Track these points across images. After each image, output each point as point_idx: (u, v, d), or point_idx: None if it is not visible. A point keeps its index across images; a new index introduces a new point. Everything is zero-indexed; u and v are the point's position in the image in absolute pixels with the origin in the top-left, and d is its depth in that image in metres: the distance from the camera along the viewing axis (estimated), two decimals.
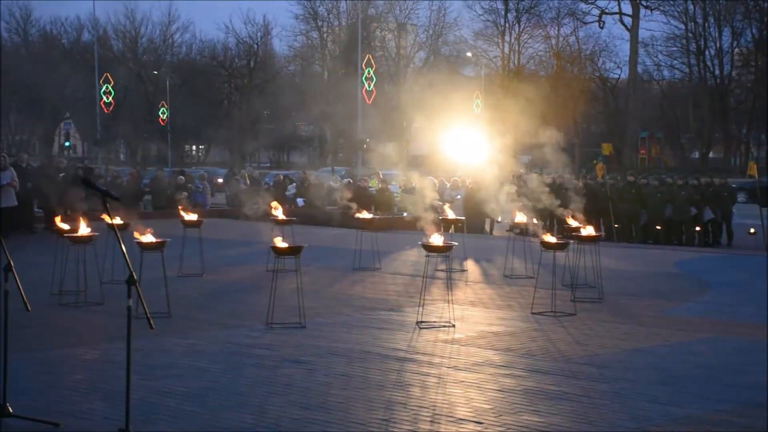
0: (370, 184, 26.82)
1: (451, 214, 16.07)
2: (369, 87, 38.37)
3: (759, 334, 9.96)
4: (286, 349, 8.98)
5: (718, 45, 61.92)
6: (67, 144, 75.70)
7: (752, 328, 10.35)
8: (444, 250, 10.80)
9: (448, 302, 10.72)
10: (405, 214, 22.05)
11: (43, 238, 17.93)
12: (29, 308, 6.52)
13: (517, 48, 65.27)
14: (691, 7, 61.18)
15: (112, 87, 45.43)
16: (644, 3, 59.62)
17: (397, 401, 7.09)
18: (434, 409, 6.87)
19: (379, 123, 46.14)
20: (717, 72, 62.19)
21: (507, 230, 15.38)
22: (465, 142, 28.59)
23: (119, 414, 5.88)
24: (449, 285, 11.64)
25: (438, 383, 7.67)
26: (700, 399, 7.27)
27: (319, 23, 67.82)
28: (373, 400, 7.13)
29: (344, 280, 14.15)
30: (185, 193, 25.81)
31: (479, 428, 6.43)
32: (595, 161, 24.73)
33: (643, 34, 61.24)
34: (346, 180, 27.53)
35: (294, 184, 29.02)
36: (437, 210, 16.39)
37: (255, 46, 69.78)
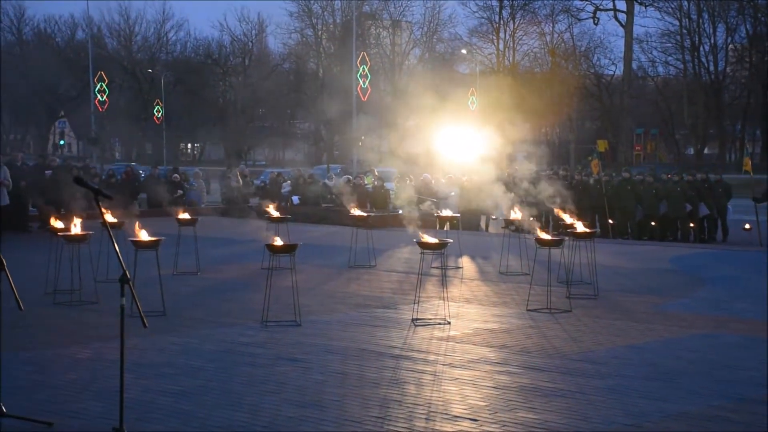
0: (365, 182, 26.79)
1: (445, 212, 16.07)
2: (364, 84, 38.33)
3: (754, 330, 9.97)
4: (281, 347, 8.96)
5: (712, 41, 62.08)
6: (61, 142, 75.61)
7: (747, 324, 10.36)
8: (439, 248, 10.79)
9: (444, 299, 10.72)
10: (400, 212, 22.04)
11: (38, 237, 17.90)
12: (22, 307, 6.50)
13: (511, 45, 65.37)
14: (686, 3, 61.33)
15: (106, 85, 45.34)
16: None
17: (392, 399, 7.08)
18: (429, 407, 6.86)
19: (374, 120, 46.11)
20: (711, 68, 62.32)
21: (502, 227, 15.37)
22: (460, 139, 28.57)
23: (113, 413, 5.86)
24: (444, 282, 11.64)
25: (433, 380, 7.66)
26: (695, 395, 7.27)
27: (314, 21, 67.79)
28: (368, 397, 7.12)
29: (339, 277, 14.14)
30: (180, 192, 25.77)
31: (474, 425, 6.42)
32: (590, 158, 24.72)
33: (637, 30, 61.40)
34: (344, 177, 27.49)
35: (289, 181, 28.97)
36: (429, 207, 16.42)
37: (249, 43, 69.75)
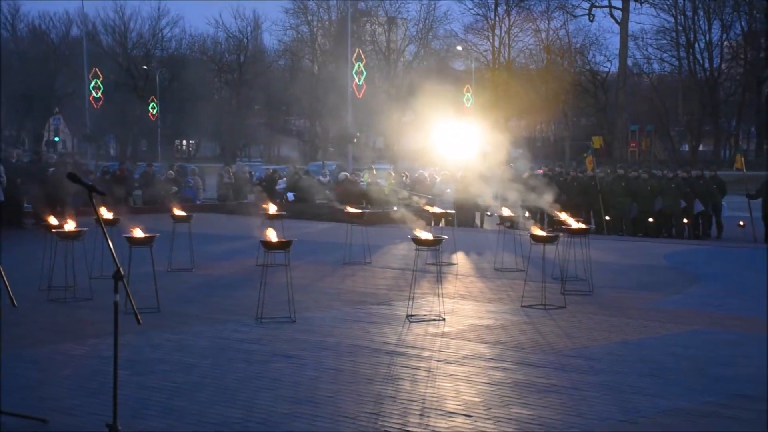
0: (361, 179, 26.79)
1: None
2: (359, 81, 38.30)
3: (748, 327, 9.99)
4: (275, 343, 8.96)
5: (707, 38, 62.15)
6: (56, 139, 75.45)
7: (741, 321, 10.38)
8: (434, 244, 10.80)
9: (438, 296, 10.72)
10: (396, 208, 22.04)
11: (33, 234, 17.85)
12: (15, 303, 6.49)
13: (507, 42, 65.34)
14: (681, 0, 61.30)
15: (101, 82, 45.24)
16: None
17: (386, 395, 7.08)
18: (424, 403, 6.87)
19: (369, 117, 46.11)
20: (706, 65, 62.36)
21: (497, 224, 15.38)
22: (456, 135, 28.57)
23: (107, 410, 5.85)
24: (439, 278, 11.63)
25: (428, 377, 7.67)
26: (689, 391, 7.28)
27: (309, 17, 67.70)
28: (362, 393, 7.13)
29: (334, 274, 14.14)
30: (175, 188, 25.76)
31: (469, 421, 6.42)
32: (585, 154, 24.72)
33: (632, 27, 61.43)
34: (342, 174, 27.48)
35: (284, 178, 28.95)
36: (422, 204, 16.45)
37: (245, 40, 69.65)
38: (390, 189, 24.15)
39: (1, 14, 62.91)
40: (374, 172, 28.29)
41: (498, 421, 6.42)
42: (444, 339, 9.21)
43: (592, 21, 62.41)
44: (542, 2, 63.56)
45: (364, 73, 38.44)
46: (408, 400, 6.96)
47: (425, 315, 10.41)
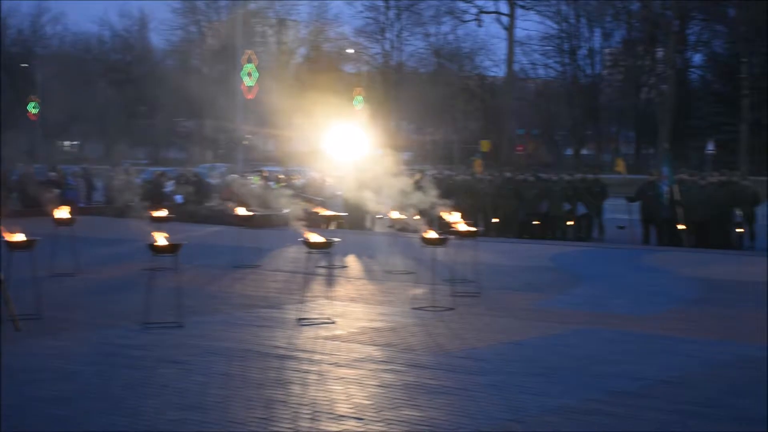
0: (252, 181, 26.55)
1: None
2: (250, 83, 37.93)
3: (628, 325, 10.32)
4: (162, 349, 8.78)
5: (589, 45, 64.05)
6: None
7: (622, 319, 10.71)
8: (325, 247, 10.78)
9: (329, 298, 10.72)
10: (286, 211, 21.91)
11: None
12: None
13: (397, 45, 65.87)
14: (564, 7, 63.00)
15: None
16: (520, 3, 60.98)
17: (276, 399, 7.03)
18: (314, 407, 6.84)
19: (260, 119, 45.70)
20: (589, 71, 64.26)
21: (388, 226, 15.46)
22: (346, 138, 28.61)
23: None
24: (330, 281, 11.62)
25: (318, 380, 7.65)
26: (573, 389, 7.47)
27: (198, 17, 66.69)
28: (252, 398, 7.05)
29: (224, 277, 13.96)
30: (56, 191, 24.96)
31: (360, 424, 6.43)
32: (473, 157, 25.15)
33: (519, 33, 62.69)
34: (232, 177, 27.16)
35: (172, 181, 28.44)
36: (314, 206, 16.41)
37: (131, 40, 68.10)
38: (280, 191, 24.00)
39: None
40: (265, 174, 28.07)
41: (389, 424, 6.44)
42: (335, 342, 9.20)
43: (480, 26, 63.55)
44: (432, 7, 64.35)
45: (255, 74, 38.09)
46: (298, 404, 6.92)
47: (316, 318, 10.38)
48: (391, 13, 65.00)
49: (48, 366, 8.01)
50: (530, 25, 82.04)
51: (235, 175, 28.03)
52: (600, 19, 62.88)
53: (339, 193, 23.58)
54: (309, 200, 20.18)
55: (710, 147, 42.04)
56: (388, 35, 65.45)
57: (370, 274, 14.69)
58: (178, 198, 26.19)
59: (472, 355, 8.68)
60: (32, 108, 56.28)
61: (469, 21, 63.97)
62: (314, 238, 10.67)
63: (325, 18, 65.55)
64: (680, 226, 19.02)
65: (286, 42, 66.80)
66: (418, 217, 14.70)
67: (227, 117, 42.38)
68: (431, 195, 15.10)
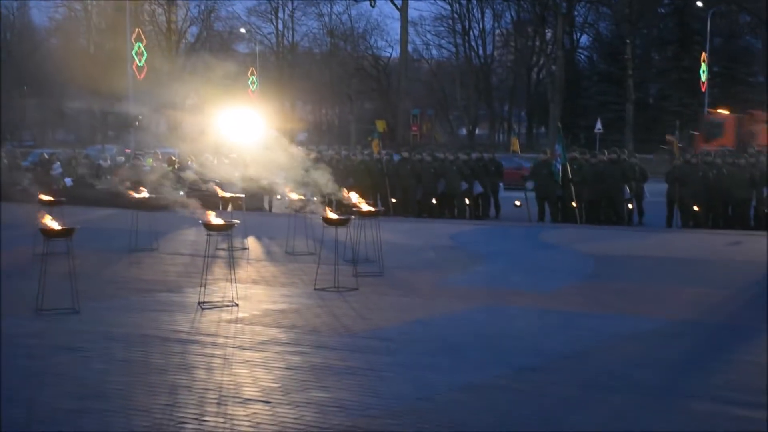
0: (145, 163, 25.89)
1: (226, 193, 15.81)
2: (140, 62, 36.98)
3: (528, 301, 10.48)
4: (58, 336, 8.48)
5: (481, 26, 64.83)
6: None
7: (522, 295, 10.87)
8: (225, 229, 10.58)
9: (231, 281, 10.52)
10: (182, 193, 21.48)
11: None
12: None
13: (291, 25, 65.30)
14: None
15: None
16: None
17: (181, 385, 6.86)
18: (220, 391, 6.71)
19: (152, 100, 44.59)
20: (481, 52, 65.08)
21: (287, 207, 15.30)
22: (241, 119, 28.20)
23: None
24: (231, 264, 11.42)
25: (223, 364, 7.50)
26: (479, 366, 7.53)
27: None
28: (155, 384, 6.87)
29: (120, 262, 13.58)
30: None
31: (267, 408, 6.33)
32: (370, 138, 25.10)
33: (412, 13, 62.96)
34: (123, 158, 26.43)
35: (59, 162, 27.49)
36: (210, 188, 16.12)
37: (11, 17, 65.48)
38: (175, 173, 23.50)
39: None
40: (158, 156, 27.43)
41: (297, 406, 6.36)
42: (238, 325, 9.05)
43: (373, 6, 63.44)
44: None
45: (145, 54, 37.16)
46: (204, 388, 6.77)
47: (218, 301, 10.19)
48: None
49: None
50: (423, 5, 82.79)
51: (127, 157, 27.30)
52: (491, 0, 63.68)
53: (236, 174, 23.22)
54: (205, 182, 19.80)
55: (598, 126, 43.13)
56: (280, 15, 64.82)
57: (271, 255, 14.53)
58: (68, 181, 25.34)
59: (377, 335, 8.66)
60: None
61: (362, 1, 63.93)
62: (214, 220, 10.46)
63: None
64: (573, 204, 19.44)
65: (175, 21, 65.34)
66: (317, 198, 14.61)
67: (117, 97, 41.24)
68: (330, 175, 15.01)
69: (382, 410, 6.29)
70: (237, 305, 9.98)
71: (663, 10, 56.73)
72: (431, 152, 23.86)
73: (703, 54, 44.04)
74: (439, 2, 63.96)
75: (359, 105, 67.25)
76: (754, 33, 54.42)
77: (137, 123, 37.90)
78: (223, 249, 13.24)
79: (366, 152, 24.69)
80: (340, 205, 18.59)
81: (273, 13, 64.56)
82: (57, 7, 64.27)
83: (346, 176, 20.92)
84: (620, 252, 14.84)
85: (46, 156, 28.77)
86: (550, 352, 7.98)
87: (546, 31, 61.89)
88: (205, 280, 10.45)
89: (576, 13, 60.73)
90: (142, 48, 37.00)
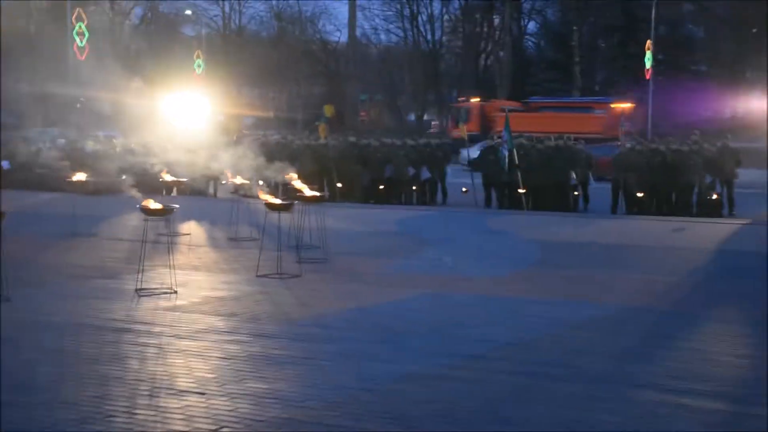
0: (87, 145, 25.30)
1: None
2: (81, 43, 36.14)
3: (475, 288, 10.36)
4: None
5: (429, 11, 64.62)
6: None
7: (468, 282, 10.75)
8: (163, 213, 10.29)
9: (170, 267, 10.24)
10: (124, 177, 21.00)
11: None
12: None
13: (237, 8, 64.51)
14: None
15: None
16: None
17: (112, 376, 6.60)
18: (154, 382, 6.46)
19: (94, 81, 43.70)
20: (429, 37, 64.94)
21: (231, 192, 14.99)
22: (186, 102, 27.73)
23: None
24: (171, 249, 11.12)
25: (158, 354, 7.24)
26: (423, 355, 7.36)
27: None
28: (85, 375, 6.60)
29: (57, 247, 13.18)
30: None
31: (202, 399, 6.10)
32: (317, 122, 24.79)
33: None
34: (64, 141, 25.79)
35: None
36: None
37: None
38: (117, 156, 22.98)
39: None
40: (100, 138, 26.84)
41: (233, 398, 6.14)
42: (176, 313, 8.78)
43: None
44: None
45: (87, 34, 36.30)
46: (136, 380, 6.51)
47: (156, 288, 9.90)
48: None
49: None
50: None
51: (68, 140, 26.64)
52: None
53: (179, 158, 22.78)
54: (148, 165, 19.38)
55: None
56: None
57: (212, 241, 14.23)
58: (5, 164, 24.64)
59: (319, 322, 8.45)
60: None
61: None
62: (152, 204, 10.15)
63: None
64: (520, 190, 19.41)
65: (119, 1, 64.12)
66: (261, 182, 14.32)
67: (58, 79, 40.31)
68: (275, 160, 14.75)
69: (321, 401, 6.10)
70: (176, 292, 9.71)
71: None
72: (378, 137, 23.66)
73: (648, 42, 44.38)
74: None
75: (307, 89, 66.70)
76: (696, 22, 55.08)
77: (78, 105, 37.12)
78: (164, 234, 12.91)
79: (312, 137, 24.44)
80: (286, 191, 18.33)
81: None
82: None
83: (291, 161, 20.63)
84: (566, 238, 14.82)
85: None
86: (496, 340, 7.85)
87: (494, 17, 61.92)
88: (143, 266, 10.14)
89: None
90: (83, 28, 36.14)
